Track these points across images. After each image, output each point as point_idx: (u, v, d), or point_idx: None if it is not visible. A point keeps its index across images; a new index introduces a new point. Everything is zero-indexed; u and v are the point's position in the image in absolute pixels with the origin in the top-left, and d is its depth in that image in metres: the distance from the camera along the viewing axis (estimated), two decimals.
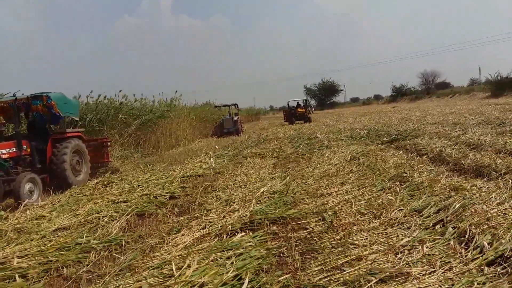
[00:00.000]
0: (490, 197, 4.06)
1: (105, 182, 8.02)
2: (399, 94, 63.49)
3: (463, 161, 6.23)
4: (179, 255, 3.37)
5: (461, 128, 11.07)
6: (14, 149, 7.13)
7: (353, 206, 4.45)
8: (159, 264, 3.19)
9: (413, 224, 3.61)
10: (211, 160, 9.86)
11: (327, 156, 8.64)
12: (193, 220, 4.60)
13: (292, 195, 5.31)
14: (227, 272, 2.87)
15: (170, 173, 8.42)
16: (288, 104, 29.59)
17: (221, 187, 6.58)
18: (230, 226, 4.01)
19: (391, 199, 4.46)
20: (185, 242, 3.73)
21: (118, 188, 7.24)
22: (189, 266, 3.03)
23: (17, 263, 3.61)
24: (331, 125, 20.18)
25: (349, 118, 25.04)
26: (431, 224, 3.59)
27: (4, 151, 6.87)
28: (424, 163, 6.76)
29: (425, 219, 3.73)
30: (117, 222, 4.88)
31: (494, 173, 5.19)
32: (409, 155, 8.02)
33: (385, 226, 3.74)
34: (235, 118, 21.57)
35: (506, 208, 3.67)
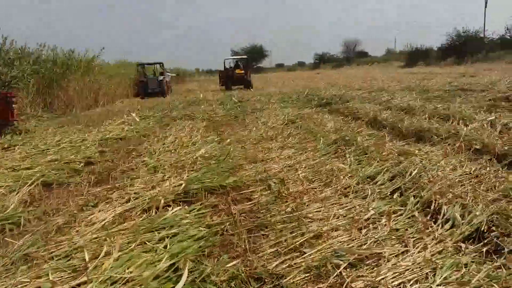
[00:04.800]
0: (440, 162, 3.87)
1: (5, 145, 6.78)
2: (322, 61, 66.18)
3: (399, 125, 6.14)
4: (95, 238, 2.64)
5: (388, 94, 11.25)
6: None
7: (299, 172, 4.02)
8: (68, 252, 2.44)
9: (369, 192, 3.26)
10: (134, 114, 8.91)
11: (262, 120, 8.17)
12: (114, 191, 3.84)
13: (230, 160, 4.75)
14: (160, 261, 2.25)
15: (87, 135, 7.36)
16: (224, 64, 22.64)
17: (147, 151, 5.77)
18: (162, 199, 3.35)
19: (339, 165, 4.10)
20: (103, 220, 2.99)
21: (21, 152, 6.09)
22: (108, 254, 2.34)
23: None
24: (260, 89, 19.79)
25: (277, 83, 24.85)
26: (389, 193, 3.27)
27: None
28: (362, 127, 6.58)
29: (381, 187, 3.41)
30: (16, 194, 3.94)
31: (436, 137, 5.09)
32: (344, 119, 7.87)
33: (338, 195, 3.35)
34: (160, 78, 20.18)
35: (461, 175, 3.48)
